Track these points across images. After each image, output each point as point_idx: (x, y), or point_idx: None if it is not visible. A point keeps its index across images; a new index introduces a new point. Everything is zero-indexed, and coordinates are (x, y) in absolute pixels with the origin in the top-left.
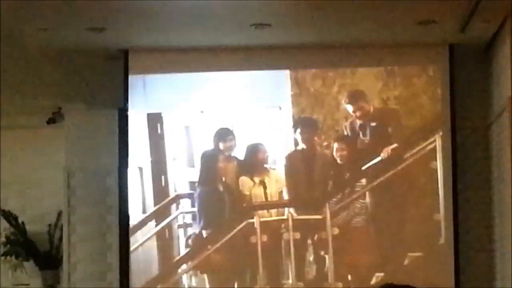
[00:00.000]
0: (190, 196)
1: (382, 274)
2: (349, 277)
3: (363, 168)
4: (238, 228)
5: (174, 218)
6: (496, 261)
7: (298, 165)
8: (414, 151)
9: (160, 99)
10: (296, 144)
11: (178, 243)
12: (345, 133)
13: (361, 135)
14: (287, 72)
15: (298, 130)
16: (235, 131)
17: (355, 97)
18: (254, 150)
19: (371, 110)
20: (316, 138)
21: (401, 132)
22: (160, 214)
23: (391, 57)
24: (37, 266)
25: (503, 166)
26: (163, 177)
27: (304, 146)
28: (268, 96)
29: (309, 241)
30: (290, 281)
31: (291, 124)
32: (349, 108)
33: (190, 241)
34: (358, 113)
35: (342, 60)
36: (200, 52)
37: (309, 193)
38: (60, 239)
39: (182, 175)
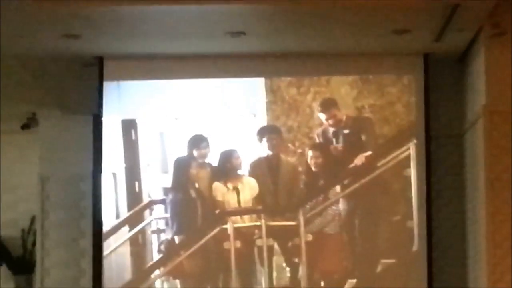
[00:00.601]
0: (163, 202)
1: (355, 280)
2: (322, 284)
3: (337, 175)
4: (211, 234)
5: (147, 224)
6: (469, 269)
7: (264, 172)
8: (388, 158)
9: (135, 106)
10: (263, 151)
11: (151, 249)
12: (318, 140)
13: (334, 143)
14: (262, 80)
15: (265, 137)
16: (209, 138)
17: (327, 105)
18: (228, 157)
19: (344, 118)
20: (290, 145)
21: (375, 140)
22: (134, 219)
23: (366, 66)
24: (10, 271)
25: (476, 174)
26: (136, 183)
27: (270, 153)
28: (243, 104)
29: (282, 247)
30: (263, 287)
31: (256, 132)
32: (322, 116)
33: (162, 247)
34: (330, 121)
35: (317, 68)
36: (175, 60)
37: (281, 199)
38: (34, 244)
39: (156, 181)
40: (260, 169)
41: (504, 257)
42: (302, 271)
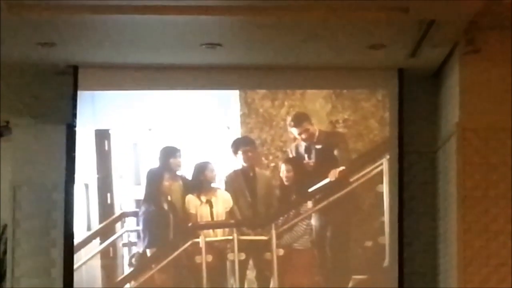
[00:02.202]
0: (135, 214)
1: None
2: None
3: (310, 190)
4: (183, 247)
5: (119, 237)
6: (440, 285)
7: (239, 185)
8: (361, 174)
9: (109, 116)
10: (237, 164)
11: (122, 262)
12: (290, 155)
13: (306, 158)
14: (236, 92)
15: (240, 151)
16: (183, 150)
17: (299, 119)
18: (201, 169)
19: (317, 133)
20: (263, 158)
21: (348, 155)
22: (105, 232)
23: (341, 80)
24: None
25: (448, 191)
26: (109, 194)
27: (245, 166)
28: (217, 116)
29: (254, 262)
30: None
31: (231, 144)
32: (294, 131)
33: (134, 260)
34: (303, 136)
35: (292, 82)
36: (150, 70)
37: (255, 213)
38: (5, 252)
39: (128, 193)
40: (237, 182)
41: (474, 273)
42: (272, 286)
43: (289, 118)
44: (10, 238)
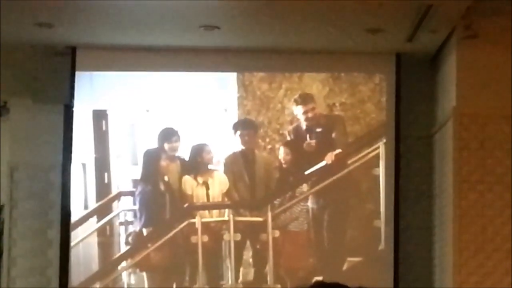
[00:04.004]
0: (132, 193)
1: (321, 278)
2: (288, 280)
3: (306, 172)
4: (179, 227)
5: (115, 216)
6: (435, 269)
7: (238, 166)
8: (358, 157)
9: (106, 97)
10: (236, 146)
11: (119, 241)
12: (289, 138)
13: (308, 138)
14: (234, 75)
15: (238, 132)
16: (180, 131)
17: (305, 98)
18: (198, 151)
19: (318, 114)
20: (260, 141)
21: (345, 138)
22: (102, 211)
23: (338, 64)
24: None
25: (445, 175)
26: (106, 174)
27: (244, 148)
28: (214, 98)
29: (250, 243)
30: (230, 281)
31: (232, 126)
32: (299, 110)
33: (130, 239)
34: (309, 114)
35: (289, 65)
36: (148, 52)
37: (252, 195)
38: (1, 233)
39: (126, 173)
40: (236, 164)
41: (470, 258)
42: (268, 267)
43: (291, 99)
44: (7, 219)
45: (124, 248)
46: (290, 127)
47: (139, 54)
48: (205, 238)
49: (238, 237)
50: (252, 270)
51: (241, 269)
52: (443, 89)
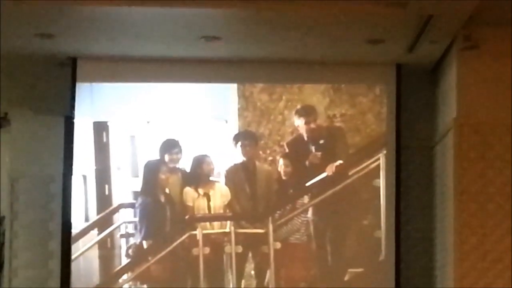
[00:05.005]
0: (133, 206)
1: None
2: None
3: (307, 184)
4: (180, 239)
5: (116, 228)
6: (436, 280)
7: (239, 178)
8: (358, 168)
9: (107, 108)
10: (237, 157)
11: (119, 253)
12: (288, 149)
13: (313, 151)
14: (234, 86)
15: (239, 144)
16: (180, 143)
17: (308, 110)
18: (200, 162)
19: (319, 126)
20: (261, 152)
21: (346, 150)
22: (103, 223)
23: (339, 75)
24: None
25: (445, 186)
26: (106, 186)
27: (245, 159)
28: (215, 109)
29: (251, 255)
30: None
31: (232, 137)
32: (301, 121)
33: (130, 251)
34: (311, 125)
35: (290, 76)
36: (149, 63)
37: (253, 207)
38: (2, 244)
39: (126, 185)
40: (237, 175)
41: (471, 269)
42: (269, 279)
43: (291, 111)
44: (8, 230)
45: (124, 261)
46: (289, 139)
47: (140, 65)
48: (207, 250)
49: (240, 249)
50: (254, 282)
51: (243, 281)
52: (444, 100)
